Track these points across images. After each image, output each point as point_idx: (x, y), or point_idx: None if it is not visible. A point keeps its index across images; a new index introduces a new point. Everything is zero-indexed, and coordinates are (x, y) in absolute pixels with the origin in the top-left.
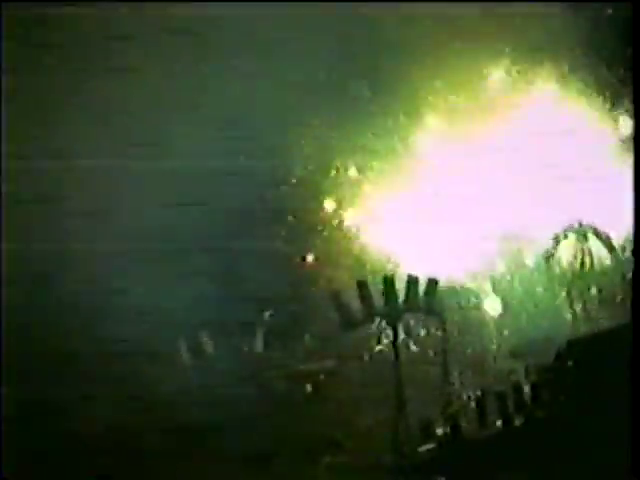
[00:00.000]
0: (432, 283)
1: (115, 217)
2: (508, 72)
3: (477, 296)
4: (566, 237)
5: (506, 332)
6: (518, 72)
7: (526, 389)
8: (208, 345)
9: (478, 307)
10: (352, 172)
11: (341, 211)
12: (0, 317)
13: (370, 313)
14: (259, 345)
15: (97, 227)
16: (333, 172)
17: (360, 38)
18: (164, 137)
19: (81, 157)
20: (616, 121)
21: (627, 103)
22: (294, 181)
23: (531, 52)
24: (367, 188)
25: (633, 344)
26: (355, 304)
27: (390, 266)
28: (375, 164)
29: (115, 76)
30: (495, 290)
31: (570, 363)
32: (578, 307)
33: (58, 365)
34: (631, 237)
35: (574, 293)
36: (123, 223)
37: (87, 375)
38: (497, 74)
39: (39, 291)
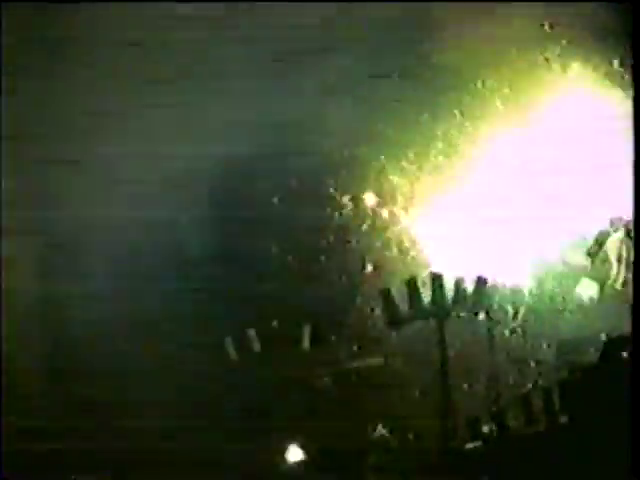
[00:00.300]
0: (480, 282)
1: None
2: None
3: (523, 294)
4: (611, 234)
5: (552, 330)
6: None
7: (570, 387)
8: (255, 343)
9: (524, 305)
10: (399, 169)
11: (387, 209)
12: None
13: (418, 311)
14: (306, 342)
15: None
16: (378, 169)
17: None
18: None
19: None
20: None
21: None
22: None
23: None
24: (415, 186)
25: (633, 344)
26: (403, 302)
27: (438, 264)
28: (425, 161)
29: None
30: (544, 287)
31: (612, 361)
32: (622, 304)
33: (99, 362)
34: None
35: (618, 290)
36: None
37: (132, 374)
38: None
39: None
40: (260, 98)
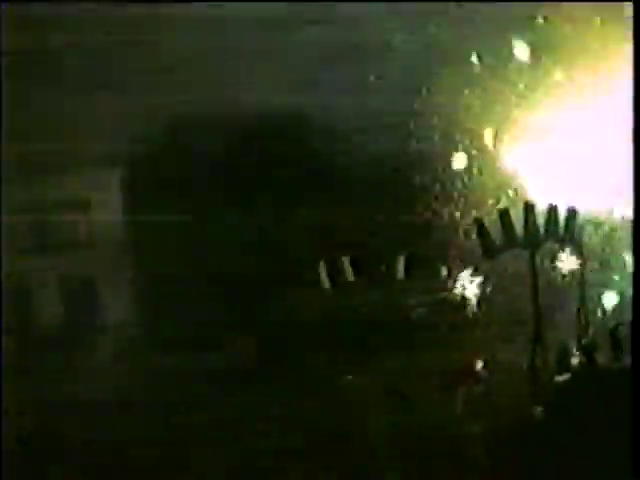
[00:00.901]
0: (572, 212)
1: None
2: None
3: (613, 228)
4: None
5: None
6: None
7: None
8: (348, 271)
9: (613, 239)
10: (491, 100)
11: (479, 140)
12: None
13: (510, 241)
14: (400, 272)
15: None
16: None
17: None
18: None
19: None
20: None
21: None
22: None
23: None
24: (507, 116)
25: (633, 344)
26: (496, 232)
27: (531, 195)
28: (518, 90)
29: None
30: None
31: None
32: None
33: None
34: None
35: None
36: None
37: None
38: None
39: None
40: None
